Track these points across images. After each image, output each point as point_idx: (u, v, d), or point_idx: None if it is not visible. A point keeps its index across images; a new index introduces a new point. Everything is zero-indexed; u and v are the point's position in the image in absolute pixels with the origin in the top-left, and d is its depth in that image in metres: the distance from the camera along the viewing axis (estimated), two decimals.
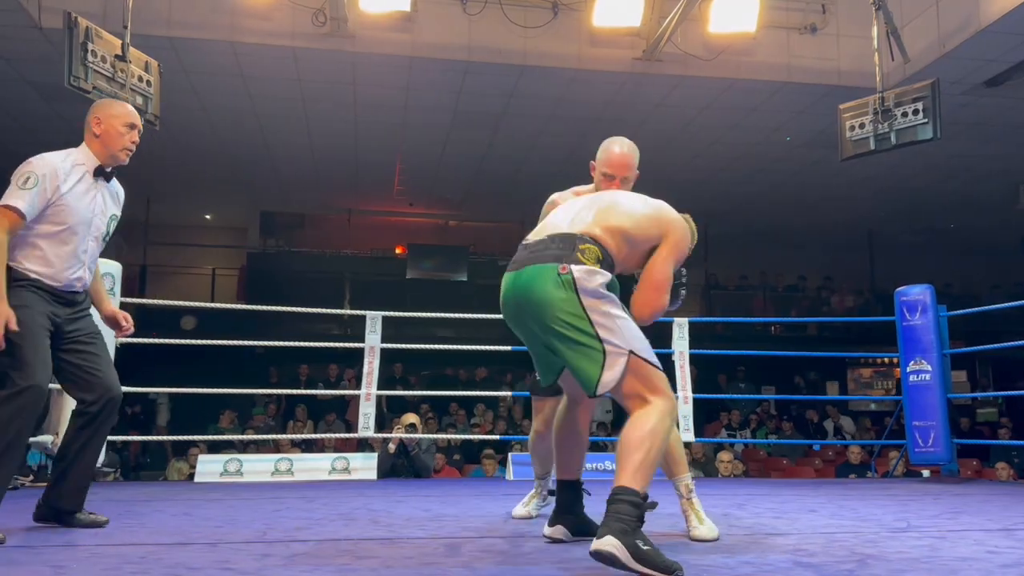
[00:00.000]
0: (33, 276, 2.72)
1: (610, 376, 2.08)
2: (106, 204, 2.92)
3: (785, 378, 12.40)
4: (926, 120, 5.77)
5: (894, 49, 6.25)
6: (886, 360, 13.29)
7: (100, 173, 2.89)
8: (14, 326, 2.58)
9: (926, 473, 6.03)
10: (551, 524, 2.48)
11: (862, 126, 6.03)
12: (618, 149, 2.79)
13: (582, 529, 2.48)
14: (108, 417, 2.87)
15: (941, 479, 5.77)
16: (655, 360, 2.15)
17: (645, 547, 1.85)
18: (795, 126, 9.21)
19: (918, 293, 5.87)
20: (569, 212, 2.33)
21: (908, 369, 5.84)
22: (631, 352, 2.10)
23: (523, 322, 2.23)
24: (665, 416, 2.07)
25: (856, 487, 5.22)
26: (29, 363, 2.60)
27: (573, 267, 2.12)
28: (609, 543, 1.83)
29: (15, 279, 2.68)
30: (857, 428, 10.88)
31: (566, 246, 2.17)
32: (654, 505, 2.04)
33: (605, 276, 2.16)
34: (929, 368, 5.73)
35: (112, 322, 3.04)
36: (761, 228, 13.34)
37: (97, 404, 2.83)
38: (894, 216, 12.65)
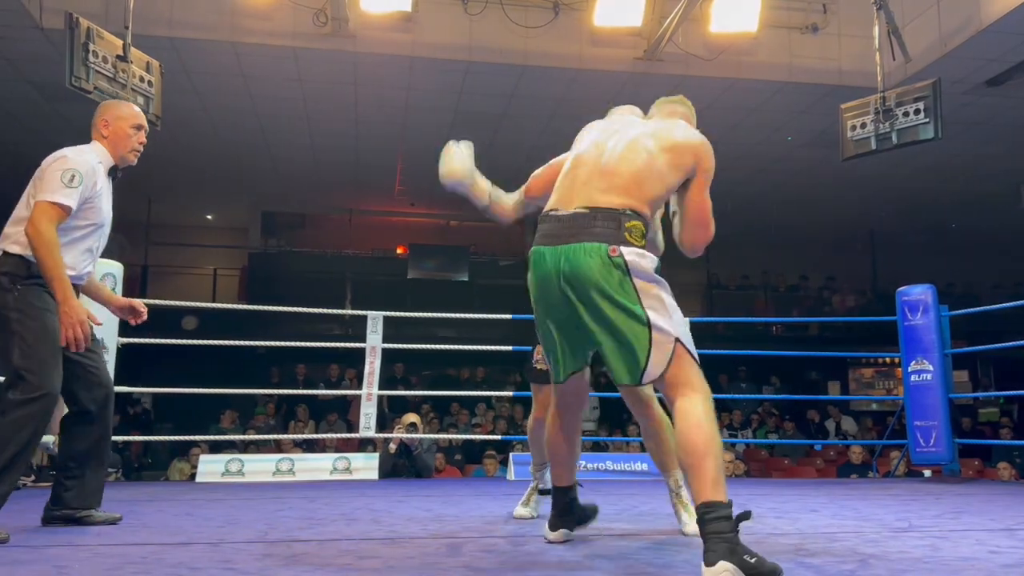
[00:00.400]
0: (71, 275, 2.73)
1: (657, 362, 1.99)
2: (111, 202, 2.97)
3: (787, 378, 12.40)
4: (927, 120, 5.77)
5: (895, 49, 6.26)
6: (887, 360, 13.28)
7: (112, 173, 2.94)
8: (97, 321, 2.80)
9: (928, 473, 6.03)
10: (552, 528, 2.45)
11: (863, 126, 6.03)
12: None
13: (581, 520, 2.51)
14: (110, 412, 2.92)
15: (943, 479, 5.77)
16: (696, 353, 2.08)
17: (752, 559, 1.77)
18: (796, 126, 9.21)
19: (920, 293, 5.86)
20: (595, 171, 2.16)
21: (910, 369, 5.84)
22: (678, 340, 2.02)
23: (561, 300, 2.07)
24: (712, 410, 1.99)
25: (857, 487, 5.22)
26: (47, 369, 2.62)
27: (623, 249, 2.02)
28: (723, 569, 1.75)
29: (37, 276, 2.66)
30: (859, 428, 10.88)
31: (611, 223, 2.05)
32: (749, 514, 1.94)
33: (655, 260, 2.08)
34: (931, 368, 5.72)
35: (128, 310, 3.08)
36: (762, 228, 13.33)
37: (98, 402, 2.86)
38: (896, 216, 12.64)
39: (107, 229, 2.94)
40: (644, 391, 2.60)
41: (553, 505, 2.49)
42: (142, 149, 3.00)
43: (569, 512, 2.48)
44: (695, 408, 1.96)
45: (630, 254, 2.02)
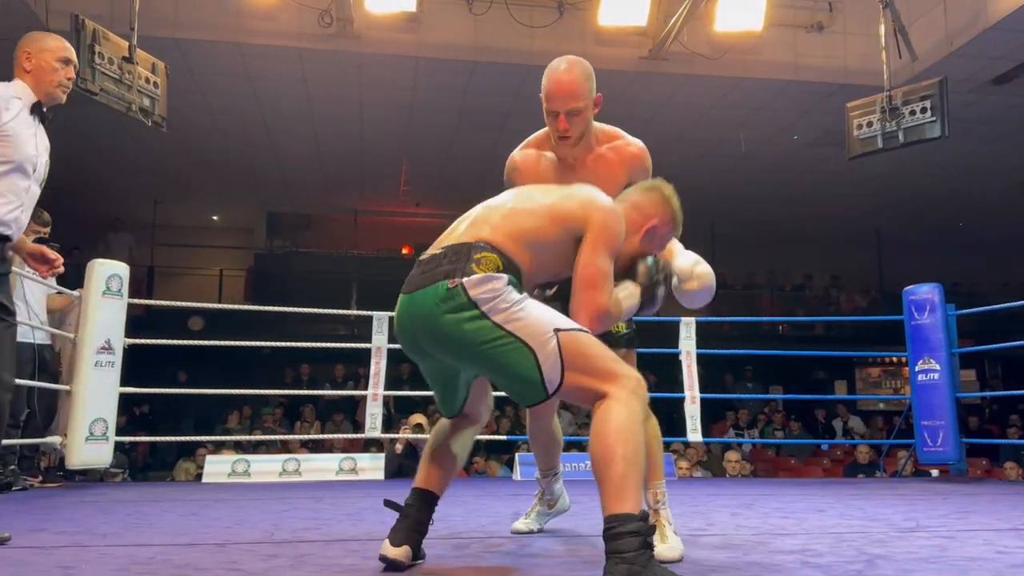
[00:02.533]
0: None
1: (550, 367, 1.77)
2: (41, 145, 2.68)
3: (793, 378, 12.36)
4: (934, 118, 5.75)
5: (901, 47, 6.24)
6: (894, 359, 13.24)
7: (37, 111, 2.66)
8: None
9: (935, 472, 6.02)
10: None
11: (869, 124, 6.01)
12: (558, 72, 2.29)
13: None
14: None
15: (950, 478, 5.75)
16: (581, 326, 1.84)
17: None
18: (802, 125, 9.19)
19: (926, 292, 5.84)
20: (469, 216, 2.01)
21: (916, 368, 5.82)
22: (556, 330, 1.79)
23: (422, 350, 1.93)
24: (631, 401, 1.75)
25: (864, 487, 5.20)
26: None
27: (465, 280, 1.81)
28: None
29: None
30: (867, 427, 10.85)
31: (460, 258, 1.85)
32: (652, 528, 1.70)
33: (500, 279, 1.82)
34: (938, 367, 5.70)
35: (39, 258, 2.78)
36: (768, 227, 13.31)
37: None
38: (902, 214, 12.61)
39: (37, 175, 2.65)
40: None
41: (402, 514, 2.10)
42: (70, 85, 2.73)
43: (418, 531, 2.06)
44: (613, 409, 1.74)
45: (470, 281, 1.80)
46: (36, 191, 2.65)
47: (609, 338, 2.21)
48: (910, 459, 6.66)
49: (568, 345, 1.78)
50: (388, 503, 2.14)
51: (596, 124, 2.36)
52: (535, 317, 1.80)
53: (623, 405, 1.74)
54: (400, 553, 1.95)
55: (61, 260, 2.80)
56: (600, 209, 1.96)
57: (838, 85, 8.00)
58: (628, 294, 2.03)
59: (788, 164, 10.47)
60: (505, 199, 2.04)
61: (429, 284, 1.85)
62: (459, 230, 1.96)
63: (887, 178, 10.60)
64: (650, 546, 1.64)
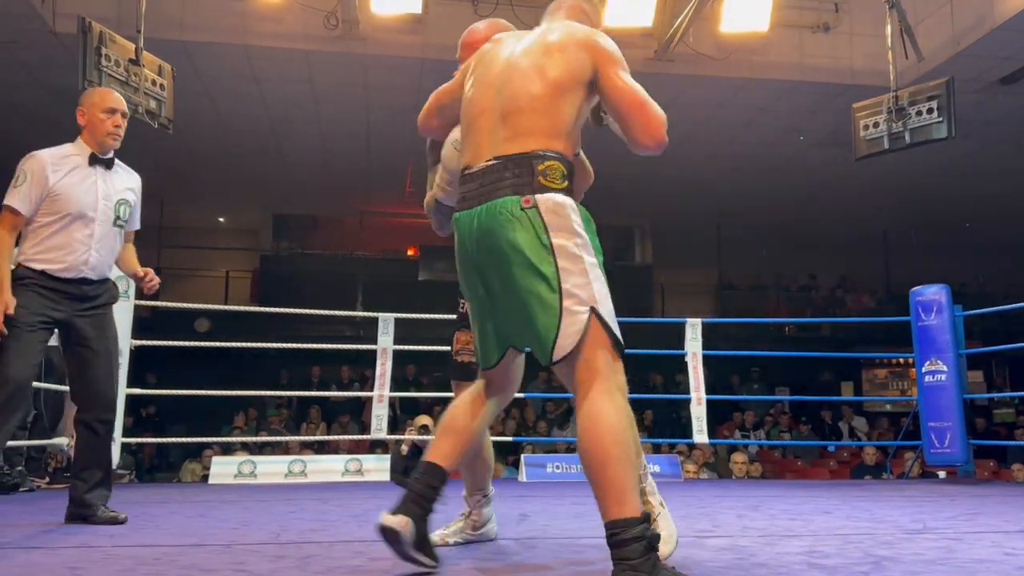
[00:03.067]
0: (38, 268, 2.83)
1: (568, 335, 1.70)
2: (111, 189, 2.96)
3: (799, 379, 12.34)
4: (940, 119, 5.74)
5: (908, 48, 6.23)
6: (901, 361, 13.20)
7: (97, 161, 2.94)
8: (11, 309, 2.74)
9: (942, 474, 5.99)
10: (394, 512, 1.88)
11: (876, 125, 6.01)
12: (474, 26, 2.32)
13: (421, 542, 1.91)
14: (105, 430, 2.97)
15: (957, 480, 5.73)
16: (617, 331, 1.76)
17: None
18: (808, 125, 9.17)
19: (933, 293, 5.83)
20: (496, 117, 1.87)
21: (924, 370, 5.81)
22: (594, 311, 1.72)
23: (479, 274, 1.86)
24: (617, 398, 1.70)
25: (871, 488, 5.19)
26: (9, 362, 2.74)
27: (539, 197, 1.75)
28: None
29: (19, 277, 2.81)
30: (873, 429, 10.82)
31: (523, 171, 1.77)
32: (658, 537, 1.68)
33: (577, 209, 1.80)
34: (945, 368, 5.68)
35: (137, 279, 3.15)
36: (774, 228, 13.28)
37: (91, 414, 2.92)
38: (909, 215, 12.57)
39: (104, 216, 2.92)
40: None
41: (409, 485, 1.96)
42: (120, 132, 2.97)
43: (420, 505, 1.92)
44: (603, 406, 1.68)
45: (546, 202, 1.75)
46: (108, 229, 2.94)
47: None
48: (917, 461, 6.64)
49: (594, 331, 1.71)
50: (395, 478, 2.15)
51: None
52: (588, 284, 1.73)
53: (611, 401, 1.69)
54: (397, 522, 1.83)
55: (155, 281, 3.15)
56: (600, 42, 1.89)
57: (844, 86, 7.98)
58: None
59: (794, 165, 10.45)
60: (512, 86, 1.88)
61: (493, 199, 1.78)
62: (499, 138, 1.84)
63: (894, 179, 10.57)
64: (654, 549, 1.62)
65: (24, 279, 2.81)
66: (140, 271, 3.12)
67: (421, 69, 7.98)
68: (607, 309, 1.75)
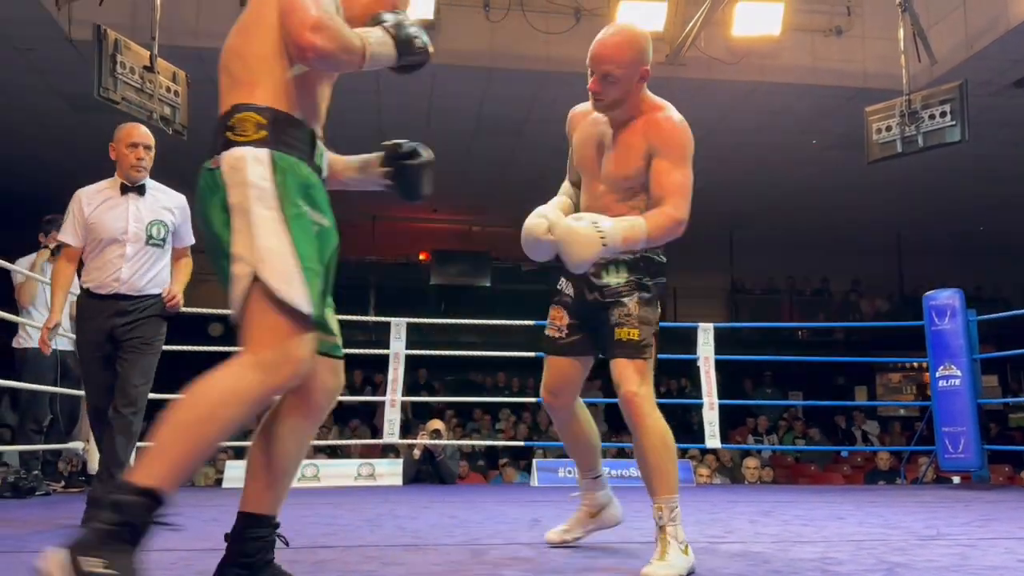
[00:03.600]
0: (85, 287, 3.24)
1: (234, 298, 1.50)
2: (141, 213, 3.27)
3: (813, 384, 12.29)
4: (954, 122, 5.72)
5: (921, 51, 6.20)
6: (915, 365, 13.12)
7: (128, 190, 3.28)
8: (50, 324, 3.34)
9: (956, 480, 5.96)
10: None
11: (889, 129, 5.98)
12: (604, 35, 2.24)
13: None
14: (118, 422, 3.16)
15: (971, 486, 5.69)
16: (295, 298, 1.48)
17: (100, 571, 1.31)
18: (821, 129, 9.14)
19: (947, 297, 5.80)
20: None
21: (937, 374, 5.78)
22: (255, 275, 1.48)
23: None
24: (247, 375, 1.45)
25: (885, 494, 5.17)
26: (89, 393, 3.31)
27: (225, 155, 1.56)
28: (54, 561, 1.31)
29: (81, 297, 3.28)
30: (886, 434, 10.76)
31: (219, 130, 1.60)
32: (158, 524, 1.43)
33: (262, 162, 1.54)
34: (959, 373, 5.65)
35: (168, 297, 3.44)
36: (787, 232, 13.24)
37: (112, 404, 3.16)
38: (922, 219, 12.50)
39: (134, 236, 3.25)
40: (633, 398, 2.15)
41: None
42: (143, 164, 3.28)
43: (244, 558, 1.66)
44: (212, 379, 1.46)
45: (232, 158, 1.55)
46: (141, 248, 3.27)
47: (631, 349, 2.19)
48: (931, 466, 6.60)
49: (255, 296, 1.49)
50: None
51: (649, 95, 2.31)
52: (254, 238, 1.51)
53: (229, 373, 1.47)
54: None
55: (177, 301, 3.43)
56: None
57: (857, 89, 7.95)
58: (373, 32, 1.69)
59: (806, 168, 10.41)
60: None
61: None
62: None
63: (907, 182, 10.52)
64: (136, 532, 1.39)
65: (80, 301, 3.27)
66: (167, 290, 3.36)
67: (433, 74, 8.00)
68: (274, 268, 1.48)
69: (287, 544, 1.75)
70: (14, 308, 4.86)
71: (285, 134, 1.59)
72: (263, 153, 1.55)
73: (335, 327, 1.76)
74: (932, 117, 5.80)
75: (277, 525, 1.71)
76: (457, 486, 6.25)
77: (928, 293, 5.95)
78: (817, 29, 8.06)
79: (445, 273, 12.68)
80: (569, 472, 5.96)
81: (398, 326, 5.99)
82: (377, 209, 13.03)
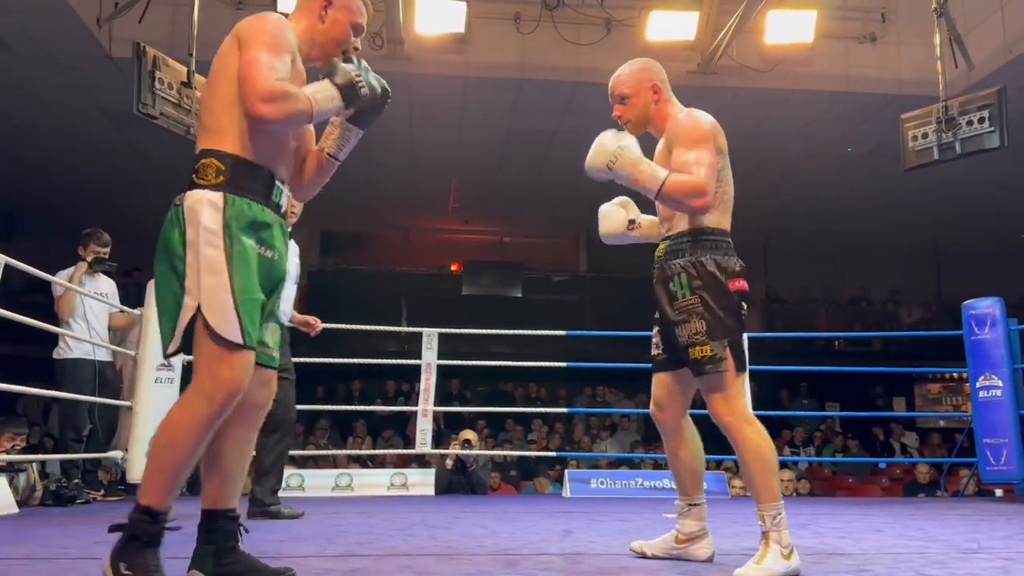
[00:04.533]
0: None
1: (179, 332, 1.76)
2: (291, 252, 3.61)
3: (850, 394, 12.11)
4: (992, 128, 5.63)
5: (957, 56, 6.11)
6: (955, 375, 12.88)
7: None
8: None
9: (998, 492, 5.84)
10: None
11: (925, 136, 5.90)
12: (617, 71, 2.49)
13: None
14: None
15: (1015, 499, 5.58)
16: (226, 332, 1.71)
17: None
18: (856, 137, 9.05)
19: (987, 306, 5.70)
20: None
21: (978, 385, 5.68)
22: (199, 309, 1.72)
23: None
24: (191, 404, 1.73)
25: (924, 506, 5.08)
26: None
27: (188, 195, 1.80)
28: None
29: None
30: (926, 445, 10.56)
31: (191, 173, 1.83)
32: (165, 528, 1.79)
33: (215, 206, 1.76)
34: (1000, 384, 5.55)
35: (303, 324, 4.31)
36: (822, 240, 13.10)
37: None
38: (960, 226, 12.30)
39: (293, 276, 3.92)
40: (722, 418, 2.28)
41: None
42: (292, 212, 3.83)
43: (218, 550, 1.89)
44: (172, 411, 1.76)
45: (192, 199, 1.79)
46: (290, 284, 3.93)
47: (707, 365, 2.26)
48: (972, 478, 6.47)
49: (199, 327, 1.74)
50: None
51: (675, 108, 2.48)
52: (200, 274, 1.74)
53: (184, 404, 1.75)
54: None
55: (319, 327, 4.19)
56: (246, 22, 1.86)
57: (892, 96, 7.86)
58: (319, 88, 1.86)
59: (841, 176, 10.31)
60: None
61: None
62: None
63: (944, 189, 10.35)
64: (152, 540, 1.75)
65: None
66: (304, 318, 4.34)
67: (464, 87, 8.06)
68: (212, 303, 1.72)
69: (247, 531, 2.00)
70: (55, 320, 4.95)
71: (242, 178, 1.82)
72: (217, 196, 1.78)
73: (272, 341, 1.95)
74: (970, 123, 5.71)
75: (236, 516, 1.95)
76: (488, 496, 6.24)
77: (967, 302, 5.85)
78: (851, 36, 7.99)
79: (477, 284, 12.71)
80: (601, 483, 5.94)
81: (430, 336, 6.02)
82: (410, 221, 13.14)
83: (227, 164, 1.80)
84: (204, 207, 1.77)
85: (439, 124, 8.89)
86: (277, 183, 1.90)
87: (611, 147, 2.31)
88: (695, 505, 2.48)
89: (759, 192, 10.80)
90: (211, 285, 1.72)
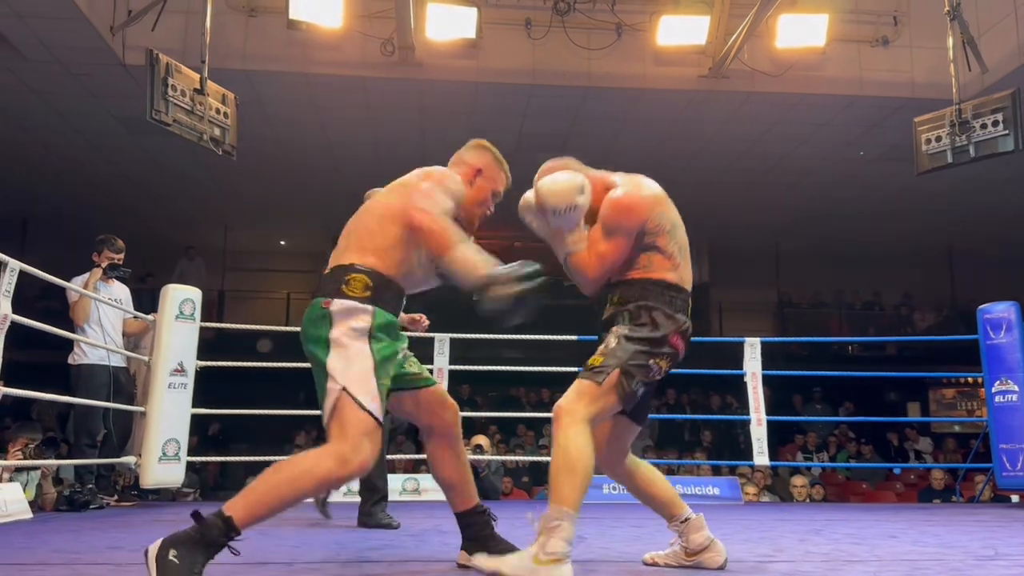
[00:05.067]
0: None
1: (326, 408, 2.04)
2: None
3: (864, 399, 12.04)
4: (1006, 131, 5.59)
5: (971, 59, 6.08)
6: (970, 380, 12.79)
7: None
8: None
9: (1015, 498, 5.79)
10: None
11: (939, 139, 5.87)
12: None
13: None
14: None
15: None
16: (371, 406, 2.04)
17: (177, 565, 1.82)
18: (868, 140, 9.01)
19: (1002, 310, 5.65)
20: (343, 233, 2.31)
21: (993, 390, 5.63)
22: (344, 389, 2.04)
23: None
24: (324, 461, 1.96)
25: (940, 512, 5.04)
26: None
27: (336, 301, 2.11)
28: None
29: None
30: (941, 451, 10.49)
31: (337, 278, 2.14)
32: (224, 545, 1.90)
33: (366, 312, 2.10)
34: (1016, 388, 5.50)
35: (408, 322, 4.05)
36: (835, 244, 13.04)
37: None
38: (975, 230, 12.22)
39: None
40: (558, 410, 2.25)
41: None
42: None
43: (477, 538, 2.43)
44: (304, 458, 1.99)
45: (339, 305, 2.10)
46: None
47: (587, 372, 2.26)
48: (988, 484, 6.42)
49: (342, 404, 2.02)
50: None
51: (610, 180, 2.53)
52: (346, 367, 2.06)
53: (318, 458, 1.97)
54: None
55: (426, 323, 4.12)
56: (417, 188, 2.25)
57: (905, 99, 7.82)
58: (487, 259, 2.24)
59: (854, 180, 10.26)
60: (359, 213, 2.36)
61: (318, 295, 2.16)
62: (339, 250, 2.25)
63: (958, 193, 10.30)
64: (211, 548, 1.88)
65: None
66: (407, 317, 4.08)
67: (475, 92, 8.07)
68: (362, 387, 2.04)
69: (495, 519, 2.54)
70: (70, 326, 4.98)
71: (384, 294, 2.16)
72: (368, 308, 2.12)
73: (418, 367, 2.44)
74: (984, 126, 5.67)
75: (484, 510, 2.54)
76: (500, 502, 6.23)
77: (983, 306, 5.80)
78: (863, 39, 7.96)
79: None
80: (614, 489, 5.91)
81: (441, 341, 6.02)
82: None
83: (374, 281, 2.14)
84: (356, 313, 2.10)
85: (450, 129, 8.89)
86: (403, 297, 2.28)
87: (578, 198, 2.45)
88: (687, 520, 2.42)
89: (771, 196, 10.78)
90: (360, 371, 2.06)
